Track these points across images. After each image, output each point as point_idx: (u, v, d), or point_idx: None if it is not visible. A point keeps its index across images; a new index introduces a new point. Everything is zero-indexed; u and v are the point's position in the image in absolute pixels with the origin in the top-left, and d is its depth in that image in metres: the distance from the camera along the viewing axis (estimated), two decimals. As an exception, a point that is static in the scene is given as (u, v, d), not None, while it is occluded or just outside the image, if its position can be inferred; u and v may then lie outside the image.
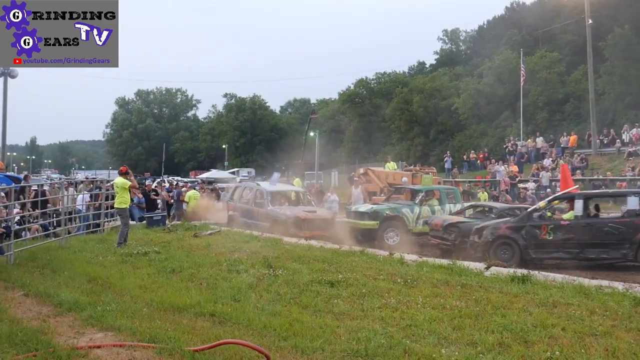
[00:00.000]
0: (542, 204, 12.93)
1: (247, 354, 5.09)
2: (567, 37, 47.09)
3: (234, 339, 5.43)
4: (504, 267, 9.72)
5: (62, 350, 5.20)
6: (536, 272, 8.94)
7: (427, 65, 71.04)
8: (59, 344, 5.46)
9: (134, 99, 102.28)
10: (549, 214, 12.36)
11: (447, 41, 68.84)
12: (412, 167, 25.34)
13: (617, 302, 6.99)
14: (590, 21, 31.17)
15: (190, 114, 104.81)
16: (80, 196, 17.06)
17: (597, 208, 12.79)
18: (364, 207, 16.46)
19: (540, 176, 26.18)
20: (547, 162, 28.94)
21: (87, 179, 23.47)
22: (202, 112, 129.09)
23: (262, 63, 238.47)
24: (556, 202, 12.96)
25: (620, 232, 11.30)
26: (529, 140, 35.11)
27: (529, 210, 12.74)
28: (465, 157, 39.16)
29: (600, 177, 25.38)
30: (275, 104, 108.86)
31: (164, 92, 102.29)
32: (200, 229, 15.14)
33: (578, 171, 26.90)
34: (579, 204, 11.82)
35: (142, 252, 11.13)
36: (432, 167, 26.49)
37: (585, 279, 8.65)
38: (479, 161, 37.25)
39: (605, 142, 31.10)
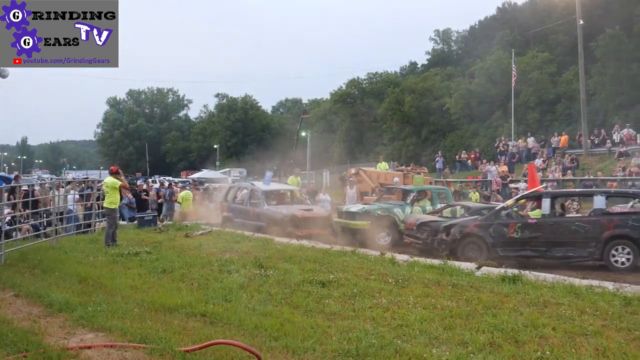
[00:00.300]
0: (509, 202, 13.00)
1: (238, 354, 5.09)
2: (559, 38, 47.35)
3: (225, 339, 5.43)
4: (495, 267, 9.75)
5: (53, 351, 5.18)
6: (527, 272, 8.97)
7: (418, 66, 71.28)
8: (50, 344, 5.43)
9: (125, 99, 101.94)
10: (515, 210, 12.42)
11: (438, 41, 69.09)
12: (403, 167, 25.36)
13: (608, 301, 7.04)
14: (581, 22, 31.29)
15: (181, 113, 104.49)
16: (70, 196, 16.96)
17: (563, 207, 12.88)
18: (356, 207, 16.44)
19: (531, 176, 26.23)
20: (538, 162, 29.03)
21: (74, 179, 23.28)
22: (193, 112, 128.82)
23: (254, 63, 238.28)
24: (523, 200, 13.03)
25: (586, 230, 11.41)
26: (520, 140, 35.23)
27: (496, 208, 12.79)
28: (456, 157, 39.27)
29: (591, 177, 25.49)
30: (266, 104, 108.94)
31: (155, 92, 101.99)
32: (192, 229, 15.10)
33: (569, 171, 27.03)
34: (546, 203, 11.91)
35: (133, 252, 11.10)
36: (423, 167, 26.51)
37: (575, 279, 8.69)
38: (470, 161, 37.30)
39: (596, 142, 31.23)
